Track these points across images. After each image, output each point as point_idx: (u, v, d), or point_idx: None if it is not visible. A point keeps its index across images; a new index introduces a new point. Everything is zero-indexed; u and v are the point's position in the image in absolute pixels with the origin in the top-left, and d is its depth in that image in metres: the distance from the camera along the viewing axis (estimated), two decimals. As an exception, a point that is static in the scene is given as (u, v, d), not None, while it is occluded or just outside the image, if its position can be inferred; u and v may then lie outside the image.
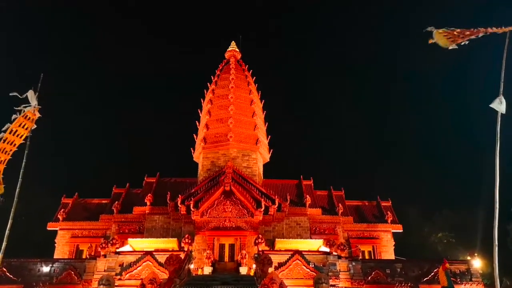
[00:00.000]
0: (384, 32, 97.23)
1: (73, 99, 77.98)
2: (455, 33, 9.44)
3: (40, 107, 12.05)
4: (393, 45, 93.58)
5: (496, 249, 10.40)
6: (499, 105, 8.91)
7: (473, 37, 9.30)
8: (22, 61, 69.96)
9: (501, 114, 9.15)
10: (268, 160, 37.35)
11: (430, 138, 78.55)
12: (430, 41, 9.45)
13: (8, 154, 10.99)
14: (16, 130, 11.30)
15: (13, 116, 11.46)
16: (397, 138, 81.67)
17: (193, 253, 25.55)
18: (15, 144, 11.22)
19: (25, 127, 11.51)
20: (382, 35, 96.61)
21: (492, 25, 9.23)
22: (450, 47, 9.49)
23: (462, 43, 9.41)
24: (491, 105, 9.02)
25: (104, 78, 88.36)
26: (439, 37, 9.38)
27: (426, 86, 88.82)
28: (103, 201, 36.43)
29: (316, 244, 27.27)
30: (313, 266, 22.62)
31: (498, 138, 8.88)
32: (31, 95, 11.99)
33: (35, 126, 11.87)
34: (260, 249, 23.98)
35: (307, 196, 33.34)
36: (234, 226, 28.58)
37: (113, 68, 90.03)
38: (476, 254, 30.98)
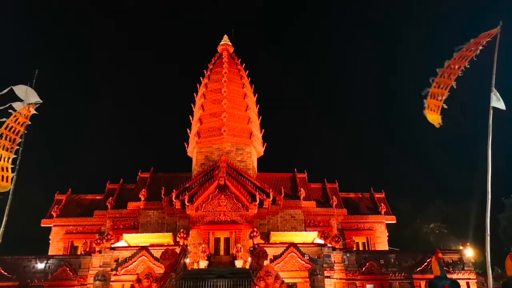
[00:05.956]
0: (383, 32, 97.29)
1: (66, 95, 77.34)
2: (450, 74, 9.12)
3: (41, 101, 12.00)
4: (392, 44, 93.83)
5: (488, 238, 10.58)
6: (496, 100, 8.95)
7: (471, 57, 9.13)
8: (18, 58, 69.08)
9: (494, 107, 9.19)
10: (262, 153, 37.34)
11: (423, 130, 79.00)
12: (438, 125, 9.31)
13: (11, 151, 10.99)
14: (12, 126, 11.28)
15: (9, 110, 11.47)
16: (390, 131, 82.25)
17: (188, 247, 25.57)
18: (14, 140, 11.21)
19: (20, 123, 11.48)
20: (381, 35, 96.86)
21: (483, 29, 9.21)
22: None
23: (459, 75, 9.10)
24: (493, 105, 9.04)
25: (99, 73, 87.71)
26: (432, 109, 9.14)
27: (422, 79, 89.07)
28: (97, 197, 36.27)
29: (311, 236, 27.44)
30: (308, 258, 22.75)
31: (490, 131, 8.96)
32: (22, 90, 11.89)
33: (29, 122, 11.83)
34: (255, 242, 24.08)
35: (301, 189, 33.48)
36: (229, 220, 28.67)
37: (107, 64, 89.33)
38: (468, 244, 31.42)
